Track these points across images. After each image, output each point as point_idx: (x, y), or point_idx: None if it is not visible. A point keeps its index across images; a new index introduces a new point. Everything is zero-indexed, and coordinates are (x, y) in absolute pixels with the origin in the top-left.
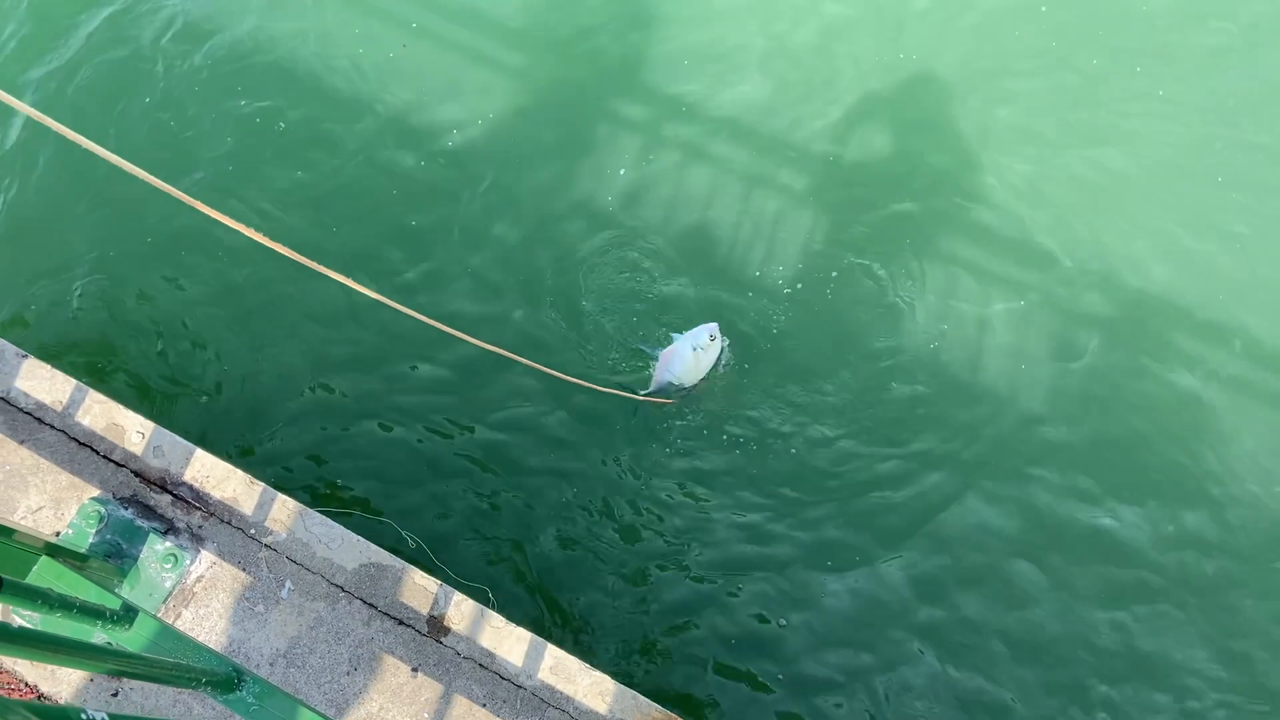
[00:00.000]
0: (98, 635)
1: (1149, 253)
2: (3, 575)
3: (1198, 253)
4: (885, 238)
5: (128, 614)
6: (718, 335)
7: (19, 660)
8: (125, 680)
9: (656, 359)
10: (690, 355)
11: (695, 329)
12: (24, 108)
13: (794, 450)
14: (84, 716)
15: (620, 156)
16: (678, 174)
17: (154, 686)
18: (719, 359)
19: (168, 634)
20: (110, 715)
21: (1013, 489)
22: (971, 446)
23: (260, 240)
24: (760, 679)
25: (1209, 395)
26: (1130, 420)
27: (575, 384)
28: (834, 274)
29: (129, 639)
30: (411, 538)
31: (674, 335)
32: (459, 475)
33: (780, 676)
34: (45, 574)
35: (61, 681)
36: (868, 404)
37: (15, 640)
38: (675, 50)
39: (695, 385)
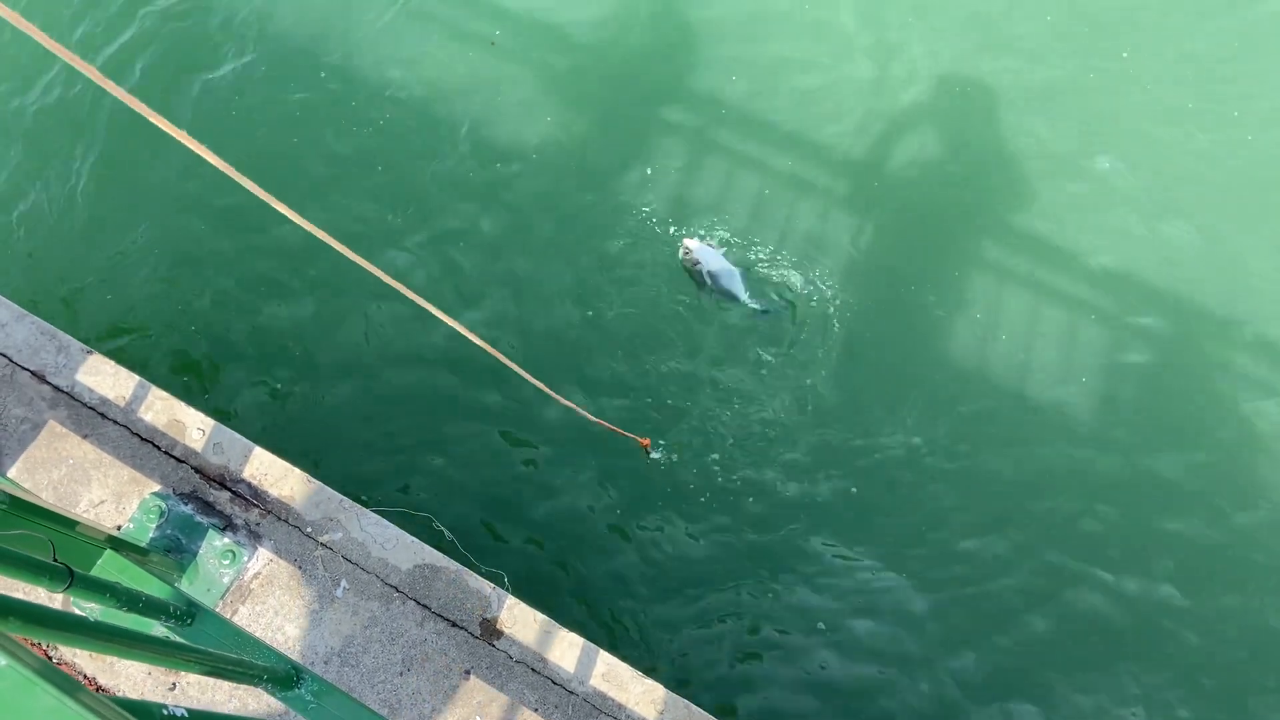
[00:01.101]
0: (157, 628)
1: (1220, 270)
2: (73, 568)
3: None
4: (935, 250)
5: (190, 609)
6: (691, 241)
7: (78, 652)
8: (182, 674)
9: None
10: (716, 254)
11: (693, 258)
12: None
13: (852, 469)
14: (165, 712)
15: (667, 162)
16: (726, 183)
17: (208, 681)
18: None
19: (228, 630)
20: (190, 711)
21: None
22: (1033, 467)
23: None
24: (817, 692)
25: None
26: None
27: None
28: (885, 285)
29: (190, 634)
30: (447, 533)
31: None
32: (514, 478)
33: (836, 692)
34: (110, 567)
35: (119, 675)
36: (927, 423)
37: (90, 632)
38: (725, 61)
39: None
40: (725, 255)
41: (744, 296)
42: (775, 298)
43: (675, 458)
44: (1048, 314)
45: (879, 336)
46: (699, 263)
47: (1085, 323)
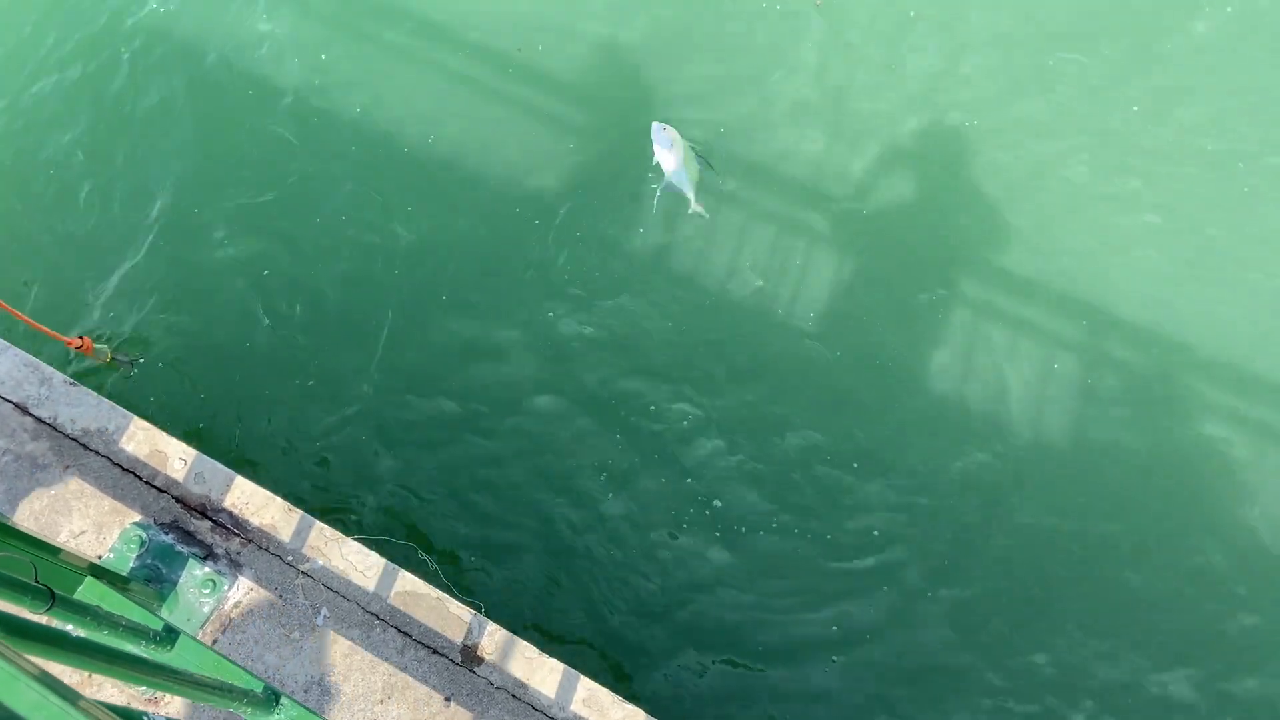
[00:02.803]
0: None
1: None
2: (55, 590)
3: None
4: (917, 285)
5: (169, 635)
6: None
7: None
8: (162, 701)
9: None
10: (668, 149)
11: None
12: None
13: (819, 478)
14: (146, 717)
15: (651, 201)
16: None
17: (190, 712)
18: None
19: (207, 656)
20: None
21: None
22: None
23: None
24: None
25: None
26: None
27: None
28: (861, 318)
29: (170, 659)
30: (431, 562)
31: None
32: (497, 503)
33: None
34: (90, 594)
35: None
36: (904, 450)
37: (74, 648)
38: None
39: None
40: (688, 150)
41: (689, 194)
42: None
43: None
44: (1028, 354)
45: (859, 371)
46: (656, 150)
47: (1066, 362)
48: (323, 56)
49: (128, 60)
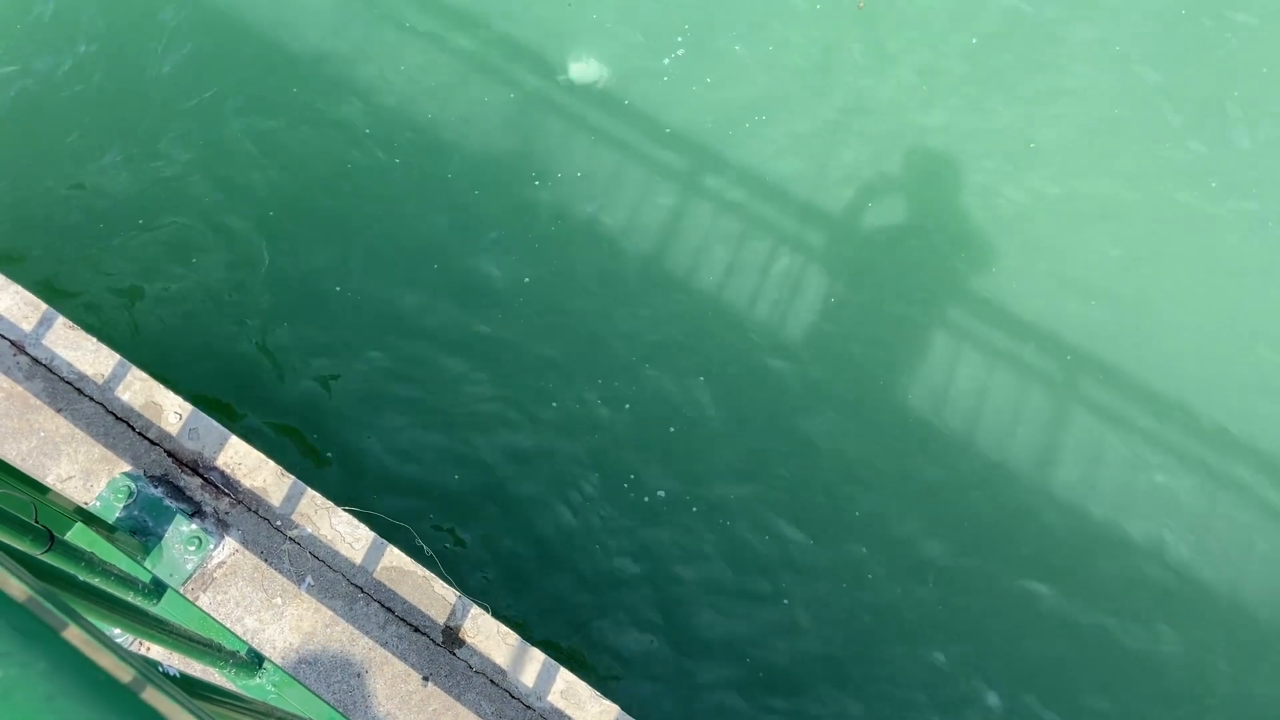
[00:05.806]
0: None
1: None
2: (54, 532)
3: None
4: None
5: (157, 588)
6: None
7: None
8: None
9: None
10: None
11: None
12: None
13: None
14: (160, 669)
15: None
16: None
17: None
18: None
19: (193, 613)
20: (181, 674)
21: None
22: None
23: None
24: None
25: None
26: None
27: None
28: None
29: (157, 613)
30: (426, 548)
31: None
32: (495, 493)
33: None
34: (80, 539)
35: None
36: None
37: (80, 590)
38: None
39: None
40: None
41: None
42: None
43: (661, 493)
44: (1007, 390)
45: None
46: None
47: (1041, 395)
48: None
49: None
